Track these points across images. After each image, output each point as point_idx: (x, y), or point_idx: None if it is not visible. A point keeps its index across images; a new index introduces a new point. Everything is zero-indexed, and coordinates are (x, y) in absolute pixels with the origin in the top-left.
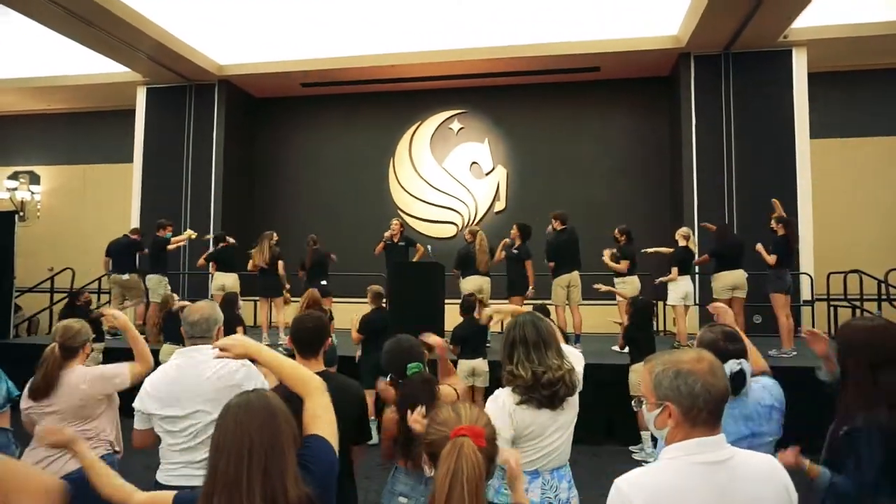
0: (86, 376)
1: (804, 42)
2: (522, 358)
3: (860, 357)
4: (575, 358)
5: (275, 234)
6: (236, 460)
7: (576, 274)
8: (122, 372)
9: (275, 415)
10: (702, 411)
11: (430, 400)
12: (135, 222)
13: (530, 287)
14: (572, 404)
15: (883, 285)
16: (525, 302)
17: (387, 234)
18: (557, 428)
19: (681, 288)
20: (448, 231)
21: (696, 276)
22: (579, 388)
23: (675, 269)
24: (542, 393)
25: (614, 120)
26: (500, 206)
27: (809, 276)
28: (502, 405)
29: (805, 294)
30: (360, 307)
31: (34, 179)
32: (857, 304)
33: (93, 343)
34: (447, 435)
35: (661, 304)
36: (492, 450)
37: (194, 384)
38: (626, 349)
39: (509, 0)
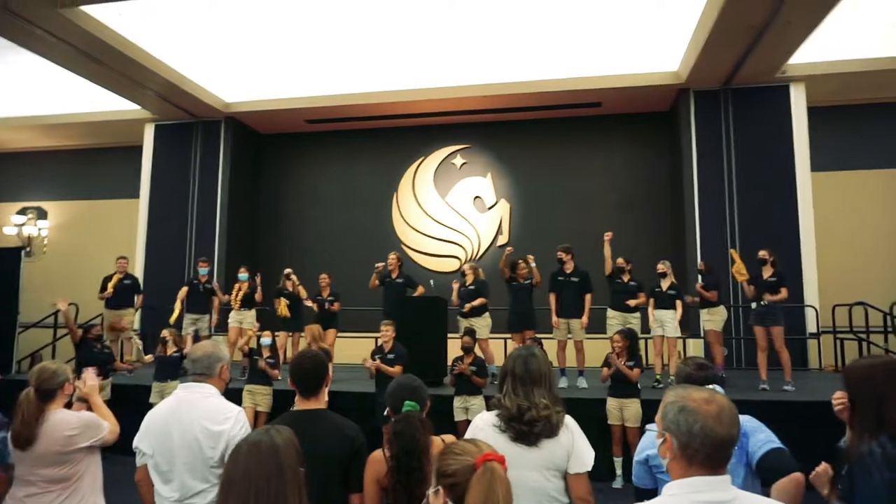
0: (73, 422)
1: (802, 77)
2: (510, 390)
3: (864, 393)
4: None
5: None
6: None
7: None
8: (104, 425)
9: (282, 464)
10: (697, 452)
11: (425, 438)
12: (140, 258)
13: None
14: (553, 445)
15: (888, 317)
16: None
17: (380, 264)
18: (535, 467)
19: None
20: (451, 265)
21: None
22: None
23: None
24: (522, 428)
25: (616, 154)
26: (502, 239)
27: (815, 308)
28: (475, 426)
29: (811, 327)
30: (365, 343)
31: (41, 215)
32: (864, 336)
33: (101, 378)
34: (471, 463)
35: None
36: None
37: (185, 423)
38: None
39: (511, 37)
